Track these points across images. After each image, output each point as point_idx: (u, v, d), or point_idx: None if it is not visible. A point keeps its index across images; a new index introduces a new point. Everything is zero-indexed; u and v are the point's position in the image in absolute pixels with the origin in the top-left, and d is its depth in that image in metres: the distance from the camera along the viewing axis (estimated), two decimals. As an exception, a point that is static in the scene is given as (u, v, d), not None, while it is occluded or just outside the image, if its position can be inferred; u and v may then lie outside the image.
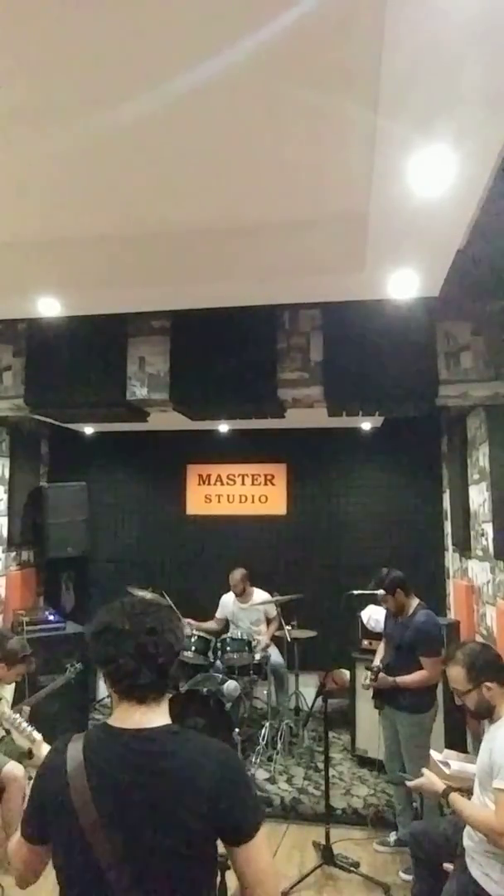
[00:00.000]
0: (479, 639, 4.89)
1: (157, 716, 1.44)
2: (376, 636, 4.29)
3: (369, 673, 3.84)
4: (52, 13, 1.73)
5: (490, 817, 2.27)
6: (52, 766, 1.43)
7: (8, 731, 3.99)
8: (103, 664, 1.44)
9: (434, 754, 2.91)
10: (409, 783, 2.71)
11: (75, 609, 6.27)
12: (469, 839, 2.45)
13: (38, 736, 2.24)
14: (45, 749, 2.05)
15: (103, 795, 1.34)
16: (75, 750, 1.40)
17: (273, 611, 5.77)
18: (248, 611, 5.81)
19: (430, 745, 3.82)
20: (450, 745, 4.40)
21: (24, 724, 2.55)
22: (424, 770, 2.70)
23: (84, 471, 6.53)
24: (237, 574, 5.76)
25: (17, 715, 3.23)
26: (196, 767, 1.37)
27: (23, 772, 3.78)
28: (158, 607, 1.52)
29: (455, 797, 2.45)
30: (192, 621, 5.69)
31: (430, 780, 2.63)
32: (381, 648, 4.18)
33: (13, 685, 4.08)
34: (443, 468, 6.21)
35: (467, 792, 2.54)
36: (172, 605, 5.50)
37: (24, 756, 3.78)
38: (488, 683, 2.47)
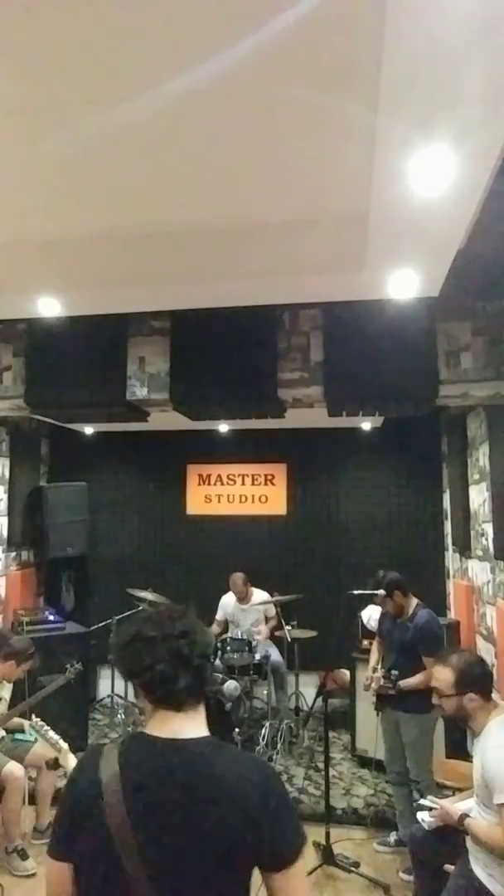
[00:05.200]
0: (479, 639, 4.90)
1: (195, 725, 1.37)
2: (376, 636, 4.28)
3: (384, 680, 3.80)
4: (52, 13, 1.73)
5: (500, 834, 2.28)
6: (83, 777, 1.34)
7: (9, 732, 4.01)
8: (137, 674, 1.37)
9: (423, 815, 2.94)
10: (431, 815, 2.75)
11: (75, 609, 6.27)
12: (473, 840, 2.45)
13: (64, 745, 2.22)
14: (71, 759, 1.98)
15: (140, 812, 1.26)
16: (110, 759, 1.32)
17: (272, 610, 5.78)
18: (248, 611, 5.82)
19: (433, 746, 3.83)
20: (450, 745, 4.41)
21: (52, 733, 2.55)
22: (438, 801, 2.72)
23: (84, 471, 6.53)
24: (238, 579, 5.76)
25: (44, 723, 3.22)
26: (240, 785, 1.28)
27: (23, 772, 3.78)
28: (183, 611, 1.47)
29: (470, 822, 2.46)
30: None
31: (445, 809, 2.65)
32: (374, 648, 4.17)
33: (11, 685, 4.08)
34: (443, 468, 6.21)
35: None
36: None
37: (50, 765, 3.80)
38: (472, 695, 2.49)
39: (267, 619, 5.85)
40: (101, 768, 1.31)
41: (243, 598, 5.80)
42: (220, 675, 5.05)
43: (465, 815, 2.50)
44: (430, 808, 2.76)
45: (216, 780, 1.28)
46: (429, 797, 2.87)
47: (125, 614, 5.48)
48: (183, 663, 1.36)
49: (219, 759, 1.32)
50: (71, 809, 1.34)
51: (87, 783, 1.31)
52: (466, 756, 4.21)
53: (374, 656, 4.14)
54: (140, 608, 5.52)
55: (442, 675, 2.58)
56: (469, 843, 2.48)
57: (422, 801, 2.87)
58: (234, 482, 6.77)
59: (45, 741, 2.71)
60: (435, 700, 2.63)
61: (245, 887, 1.31)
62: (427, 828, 2.87)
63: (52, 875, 1.35)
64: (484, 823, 2.38)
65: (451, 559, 5.99)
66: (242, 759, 1.37)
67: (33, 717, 3.79)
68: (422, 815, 2.92)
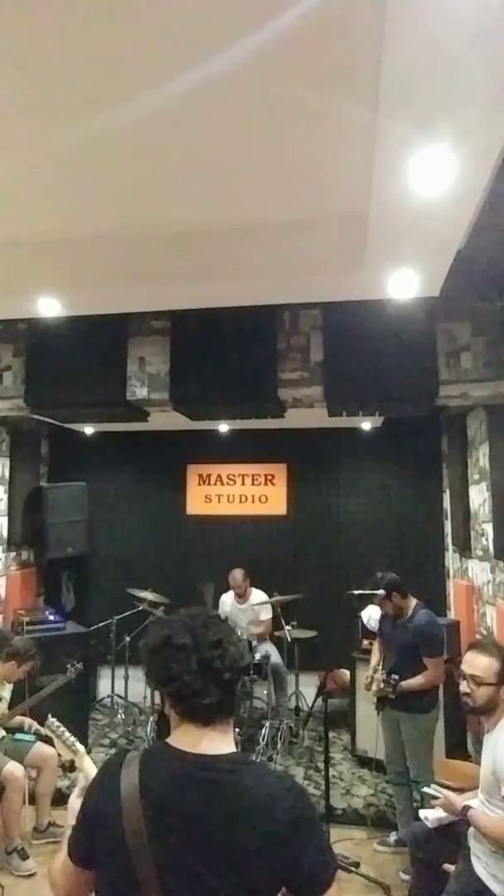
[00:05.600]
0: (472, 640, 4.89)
1: (223, 741, 1.30)
2: (376, 636, 4.28)
3: (384, 683, 3.78)
4: (52, 13, 1.73)
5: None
6: (103, 786, 1.29)
7: (9, 731, 4.01)
8: (165, 683, 1.30)
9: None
10: (434, 802, 2.73)
11: (75, 609, 6.27)
12: (475, 839, 2.45)
13: (80, 747, 2.20)
14: (87, 762, 1.94)
15: (160, 829, 1.20)
16: (131, 770, 1.26)
17: (267, 613, 5.77)
18: (245, 611, 5.82)
19: (433, 746, 3.83)
20: (450, 745, 4.41)
21: (68, 734, 2.52)
22: (442, 790, 2.71)
23: (84, 471, 6.53)
24: (238, 575, 5.76)
25: (60, 724, 3.20)
26: (269, 805, 1.21)
27: (23, 772, 3.78)
28: (218, 618, 1.39)
29: (473, 814, 2.45)
30: None
31: (449, 799, 2.64)
32: (375, 649, 4.17)
33: (11, 685, 4.09)
34: (443, 468, 6.21)
35: None
36: (210, 598, 5.52)
37: (67, 768, 3.81)
38: None
39: (259, 623, 5.82)
40: (122, 780, 1.25)
41: (242, 595, 5.79)
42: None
43: (468, 807, 2.49)
44: (434, 797, 2.74)
45: (242, 800, 1.22)
46: (433, 786, 2.85)
47: (125, 613, 5.49)
48: (213, 676, 1.28)
49: (246, 777, 1.25)
50: (91, 817, 1.30)
51: (107, 794, 1.27)
52: (466, 756, 4.23)
53: (374, 657, 4.13)
54: (139, 607, 5.53)
55: (485, 664, 2.52)
56: (471, 841, 2.48)
57: (426, 790, 2.85)
58: (234, 482, 6.77)
59: (62, 743, 2.67)
60: (464, 688, 2.56)
61: None
62: (430, 825, 2.86)
63: (68, 876, 1.33)
64: (493, 818, 2.37)
65: (451, 559, 5.99)
66: (270, 777, 1.29)
67: (49, 717, 3.78)
68: (424, 813, 2.92)
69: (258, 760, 1.31)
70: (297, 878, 1.21)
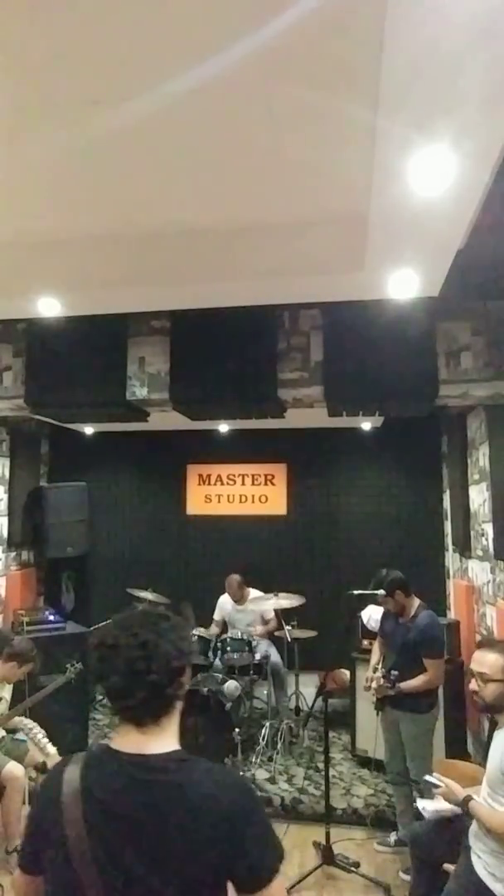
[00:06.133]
0: (479, 639, 4.89)
1: (161, 740, 1.30)
2: (376, 636, 4.28)
3: (384, 680, 3.79)
4: (52, 13, 1.73)
5: None
6: (47, 791, 1.29)
7: (10, 731, 4.01)
8: (97, 682, 1.34)
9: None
10: (436, 791, 2.72)
11: (75, 609, 6.27)
12: (476, 838, 2.45)
13: (52, 750, 2.19)
14: None
15: (99, 829, 1.20)
16: (73, 773, 1.26)
17: (270, 612, 5.77)
18: (244, 612, 5.82)
19: (433, 746, 3.83)
20: (450, 745, 4.41)
21: (41, 736, 2.52)
22: (444, 779, 2.71)
23: (84, 471, 6.53)
24: (234, 582, 5.76)
25: (35, 725, 3.20)
26: (207, 802, 1.22)
27: (23, 772, 3.78)
28: (159, 618, 1.38)
29: (474, 805, 2.45)
30: (203, 629, 5.73)
31: (451, 788, 2.63)
32: (375, 648, 4.17)
33: (11, 685, 4.09)
34: (443, 468, 6.21)
35: None
36: (190, 614, 5.53)
37: (39, 769, 3.81)
38: None
39: (265, 622, 5.84)
40: (64, 782, 1.26)
41: (239, 600, 5.80)
42: (220, 675, 5.05)
43: (470, 797, 2.49)
44: (436, 785, 2.72)
45: (181, 798, 1.22)
46: (435, 774, 2.83)
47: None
48: (137, 678, 1.28)
49: (186, 775, 1.26)
50: (36, 824, 1.31)
51: (49, 799, 1.27)
52: (466, 756, 4.23)
53: (374, 656, 4.14)
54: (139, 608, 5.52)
55: (491, 660, 2.53)
56: (472, 840, 2.48)
57: (427, 778, 2.83)
58: (234, 482, 6.78)
59: (34, 744, 2.67)
60: (474, 686, 2.57)
61: None
62: (426, 816, 2.84)
63: (21, 887, 1.33)
64: (495, 811, 2.37)
65: (451, 559, 5.99)
66: (211, 774, 1.28)
67: (22, 719, 3.78)
68: (422, 804, 2.89)
69: (199, 758, 1.30)
70: (239, 874, 1.22)
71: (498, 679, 2.51)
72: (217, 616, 5.94)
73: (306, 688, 5.79)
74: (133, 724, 1.31)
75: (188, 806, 1.21)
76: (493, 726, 2.60)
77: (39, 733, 3.12)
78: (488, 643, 2.67)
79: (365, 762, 4.93)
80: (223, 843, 1.20)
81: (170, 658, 1.31)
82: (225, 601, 5.91)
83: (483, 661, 2.56)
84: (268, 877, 1.22)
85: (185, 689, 1.37)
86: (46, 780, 1.34)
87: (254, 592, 5.82)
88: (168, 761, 1.28)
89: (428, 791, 2.85)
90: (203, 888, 1.20)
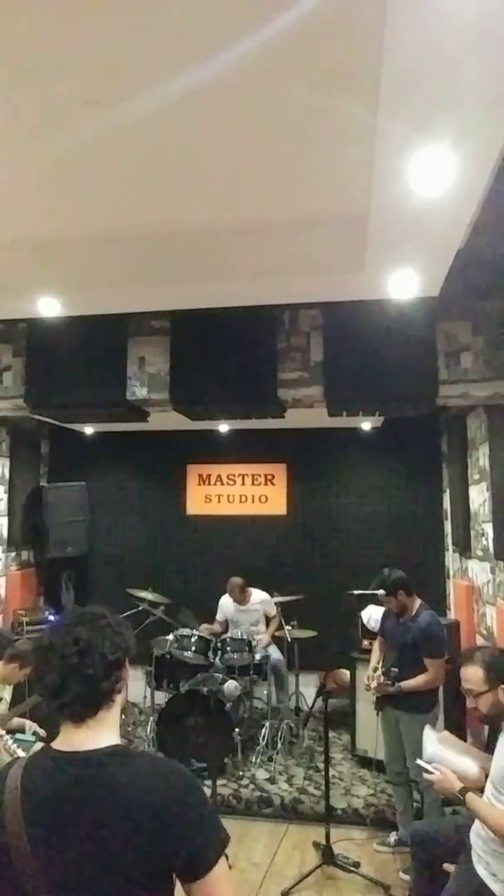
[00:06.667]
0: (479, 639, 4.90)
1: (98, 735, 1.31)
2: (376, 636, 4.28)
3: (384, 677, 3.80)
4: (52, 13, 1.73)
5: None
6: None
7: (9, 732, 4.01)
8: (36, 682, 1.34)
9: (427, 743, 2.86)
10: (427, 777, 2.69)
11: (75, 609, 6.27)
12: (477, 837, 2.45)
13: (21, 753, 2.18)
14: None
15: (38, 829, 1.21)
16: (13, 776, 1.28)
17: (273, 610, 5.78)
18: (247, 612, 5.82)
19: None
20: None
21: (11, 743, 2.51)
22: (441, 767, 2.69)
23: (84, 471, 6.53)
24: (236, 586, 5.76)
25: (4, 733, 3.17)
26: (140, 793, 1.23)
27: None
28: (95, 616, 1.40)
29: (471, 796, 2.44)
30: (207, 626, 5.73)
31: (447, 778, 2.61)
32: (376, 648, 4.17)
33: (11, 686, 4.08)
34: (443, 468, 6.21)
35: (482, 790, 2.53)
36: (192, 618, 5.52)
37: None
38: None
39: (268, 620, 5.84)
40: (6, 786, 1.27)
41: (241, 602, 5.81)
42: (220, 675, 5.05)
43: (466, 789, 2.49)
44: (428, 772, 2.68)
45: (118, 792, 1.23)
46: (435, 764, 2.81)
47: (124, 614, 5.46)
48: (73, 673, 1.30)
49: (122, 769, 1.27)
50: None
51: None
52: (466, 756, 4.21)
53: (374, 656, 4.14)
54: (139, 607, 5.53)
55: (471, 674, 2.56)
56: (473, 839, 2.47)
57: (418, 762, 2.80)
58: (234, 482, 6.78)
59: (5, 751, 2.65)
60: (470, 703, 2.61)
61: None
62: (425, 757, 2.77)
63: None
64: (493, 805, 2.36)
65: (451, 559, 5.99)
66: (148, 766, 1.30)
67: (33, 725, 3.77)
68: (426, 744, 2.85)
69: (139, 750, 1.32)
70: (178, 863, 1.22)
71: (483, 691, 2.52)
72: (219, 617, 5.94)
73: (306, 688, 5.79)
74: (71, 722, 1.32)
75: (123, 798, 1.23)
76: (496, 732, 2.60)
77: (10, 739, 3.11)
78: (466, 657, 2.67)
79: (365, 762, 4.93)
80: (159, 833, 1.21)
81: (106, 653, 1.33)
82: (227, 602, 5.91)
83: (466, 676, 2.59)
84: (208, 864, 1.22)
85: (123, 684, 1.38)
86: None
87: (256, 592, 5.82)
88: (104, 755, 1.29)
89: (428, 790, 2.83)
90: (145, 880, 1.21)
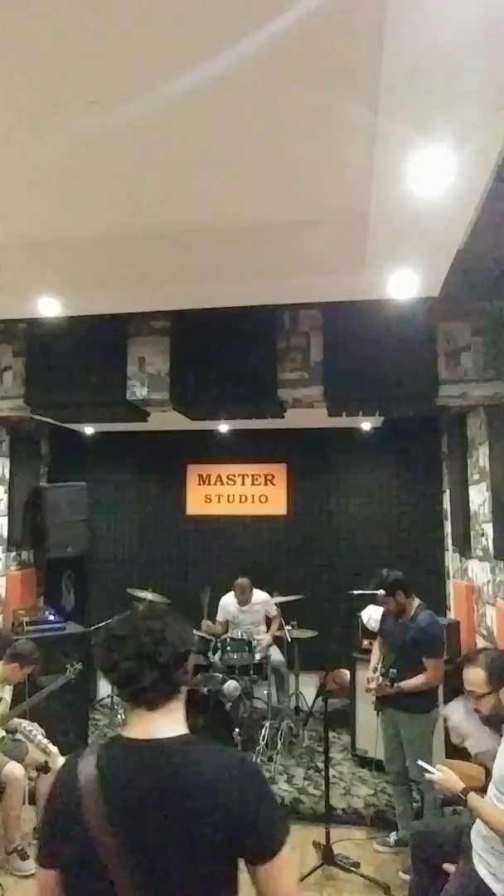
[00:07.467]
0: (479, 639, 4.90)
1: (171, 724, 1.38)
2: (376, 636, 4.28)
3: (382, 678, 3.80)
4: (52, 13, 1.73)
5: None
6: (63, 783, 1.34)
7: (9, 732, 4.01)
8: (107, 671, 1.40)
9: (452, 710, 2.87)
10: (428, 776, 2.69)
11: (75, 609, 6.26)
12: (478, 837, 2.45)
13: (53, 749, 2.18)
14: (61, 762, 1.98)
15: (119, 813, 1.27)
16: (87, 764, 1.32)
17: (273, 610, 5.79)
18: (248, 612, 5.82)
19: (433, 746, 3.83)
20: (450, 745, 4.40)
21: (41, 737, 2.52)
22: (443, 768, 2.69)
23: (84, 471, 6.53)
24: (245, 587, 5.76)
25: (34, 726, 3.19)
26: (217, 781, 1.30)
27: (23, 772, 3.78)
28: (164, 611, 1.49)
29: (473, 796, 2.44)
30: (210, 623, 5.73)
31: (448, 777, 2.62)
32: (376, 648, 4.17)
33: (11, 686, 4.09)
34: (443, 468, 6.21)
35: (483, 790, 2.53)
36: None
37: (41, 770, 3.80)
38: None
39: (269, 620, 5.84)
40: (80, 773, 1.31)
41: (244, 603, 5.81)
42: (220, 675, 5.05)
43: (468, 789, 2.48)
44: (429, 771, 2.68)
45: (193, 777, 1.29)
46: (437, 766, 2.82)
47: (124, 614, 5.47)
48: (148, 661, 1.36)
49: (195, 756, 1.34)
50: (53, 816, 1.35)
51: (67, 790, 1.31)
52: (466, 756, 4.22)
53: (374, 656, 4.13)
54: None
55: (473, 677, 2.55)
56: (474, 839, 2.47)
57: (420, 763, 2.81)
58: (234, 482, 6.77)
59: (34, 746, 2.68)
60: (472, 705, 2.60)
61: (231, 882, 1.31)
62: (450, 712, 2.78)
63: (41, 883, 1.36)
64: (494, 805, 2.36)
65: (451, 559, 5.99)
66: (220, 754, 1.37)
67: (22, 722, 3.77)
68: (446, 712, 2.85)
69: (205, 741, 1.39)
70: (250, 846, 1.29)
71: (485, 693, 2.52)
72: (220, 617, 5.94)
73: (306, 688, 5.79)
74: (144, 708, 1.37)
75: (200, 784, 1.29)
76: (498, 733, 2.60)
77: (39, 734, 3.12)
78: (468, 659, 2.67)
79: (365, 762, 4.93)
80: (235, 818, 1.27)
81: (176, 644, 1.40)
82: (228, 602, 5.90)
83: (468, 678, 2.59)
84: (276, 848, 1.30)
85: (189, 677, 1.45)
86: (61, 774, 1.38)
87: (257, 592, 5.82)
88: (180, 743, 1.35)
89: (428, 789, 2.83)
90: (219, 861, 1.27)
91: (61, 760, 2.03)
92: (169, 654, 1.38)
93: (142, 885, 1.23)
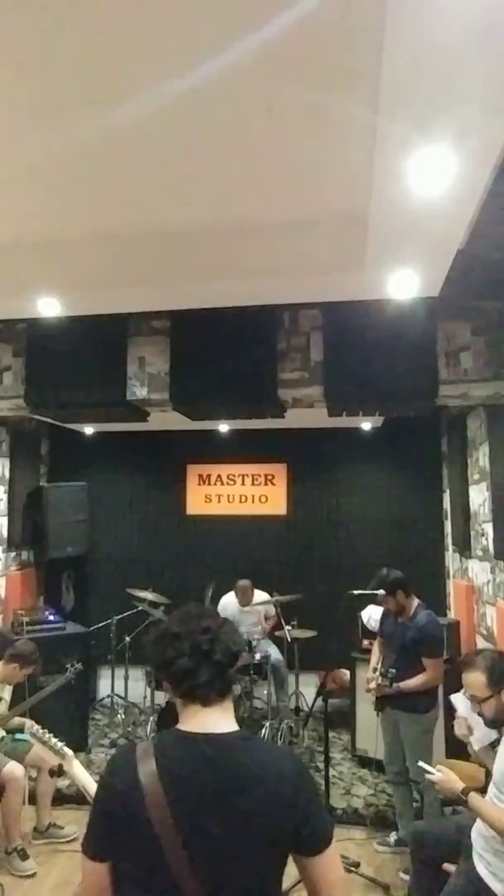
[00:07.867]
0: (479, 639, 4.90)
1: (224, 720, 1.42)
2: (376, 636, 4.28)
3: (381, 678, 3.80)
4: (51, 13, 1.73)
5: None
6: (120, 777, 1.36)
7: (9, 732, 4.01)
8: (163, 668, 1.44)
9: (459, 701, 2.88)
10: (429, 777, 2.69)
11: (75, 609, 6.27)
12: (479, 836, 2.44)
13: (68, 752, 2.19)
14: (77, 765, 2.00)
15: (181, 806, 1.29)
16: (146, 757, 1.35)
17: (272, 610, 5.79)
18: (248, 613, 5.83)
19: (433, 746, 3.83)
20: (450, 745, 4.40)
21: (54, 739, 2.51)
22: (443, 768, 2.69)
23: (84, 471, 6.53)
24: (247, 589, 5.77)
25: (45, 730, 3.17)
26: (275, 775, 1.35)
27: (23, 772, 3.78)
28: (212, 611, 1.55)
29: (473, 796, 2.43)
30: None
31: (449, 777, 2.61)
32: (375, 648, 4.17)
33: (11, 686, 4.09)
34: (443, 468, 6.21)
35: (483, 790, 2.53)
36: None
37: (55, 773, 3.79)
38: None
39: (266, 619, 5.86)
40: (139, 766, 1.33)
41: (245, 604, 5.82)
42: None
43: (469, 789, 2.48)
44: (428, 772, 2.68)
45: (251, 771, 1.34)
46: (438, 766, 2.82)
47: (124, 614, 5.49)
48: (204, 658, 1.40)
49: (251, 750, 1.39)
50: (110, 809, 1.35)
51: (126, 783, 1.33)
52: (466, 756, 4.22)
53: (374, 656, 4.13)
54: (139, 607, 5.53)
55: (473, 680, 2.55)
56: (474, 838, 2.47)
57: (420, 764, 2.81)
58: (234, 482, 6.77)
59: (48, 748, 2.67)
60: (475, 708, 2.61)
61: (281, 874, 1.37)
62: (457, 710, 2.81)
63: (92, 876, 1.36)
64: (494, 804, 2.36)
65: (451, 559, 5.99)
66: (273, 750, 1.45)
67: (33, 724, 3.76)
68: (454, 698, 2.88)
69: (258, 737, 1.46)
70: (304, 836, 1.34)
71: (487, 696, 2.52)
72: (220, 618, 5.95)
73: (306, 688, 5.79)
74: (200, 703, 1.41)
75: (259, 778, 1.34)
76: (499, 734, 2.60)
77: (52, 737, 3.10)
78: (466, 662, 2.66)
79: (365, 762, 4.93)
80: (290, 809, 1.33)
81: (229, 644, 1.45)
82: (228, 602, 5.91)
83: (468, 682, 2.59)
84: (327, 840, 1.36)
85: (238, 676, 1.49)
86: (114, 768, 1.40)
87: (257, 593, 5.83)
88: (236, 738, 1.40)
89: (428, 789, 2.84)
90: (275, 853, 1.34)
91: (77, 763, 2.03)
92: (223, 652, 1.42)
93: (204, 877, 1.27)
